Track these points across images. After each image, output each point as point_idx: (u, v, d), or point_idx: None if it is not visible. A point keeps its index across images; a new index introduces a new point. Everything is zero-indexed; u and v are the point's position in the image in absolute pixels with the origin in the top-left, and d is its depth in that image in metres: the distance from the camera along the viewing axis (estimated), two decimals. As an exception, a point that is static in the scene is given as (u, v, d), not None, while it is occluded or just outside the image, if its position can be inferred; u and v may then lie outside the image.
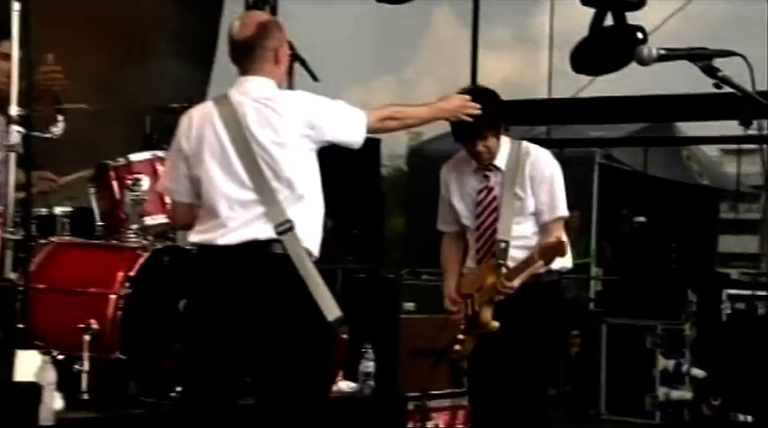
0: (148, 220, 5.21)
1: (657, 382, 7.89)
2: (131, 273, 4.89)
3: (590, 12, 8.32)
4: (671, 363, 7.91)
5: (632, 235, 10.14)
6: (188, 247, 4.35)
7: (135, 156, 5.31)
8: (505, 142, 4.56)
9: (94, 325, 4.75)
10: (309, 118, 3.68)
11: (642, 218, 10.06)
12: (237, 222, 3.60)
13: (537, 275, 4.44)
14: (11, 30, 4.42)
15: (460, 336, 4.52)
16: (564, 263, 4.57)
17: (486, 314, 4.43)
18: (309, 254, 3.64)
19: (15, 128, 4.45)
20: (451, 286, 4.63)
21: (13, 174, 4.48)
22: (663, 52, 3.11)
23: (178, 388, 4.64)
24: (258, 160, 3.61)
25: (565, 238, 4.53)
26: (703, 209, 13.02)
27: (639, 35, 7.89)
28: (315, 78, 5.45)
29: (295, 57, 5.37)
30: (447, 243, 4.74)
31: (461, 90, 4.48)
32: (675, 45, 3.26)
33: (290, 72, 5.27)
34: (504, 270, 4.40)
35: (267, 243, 3.59)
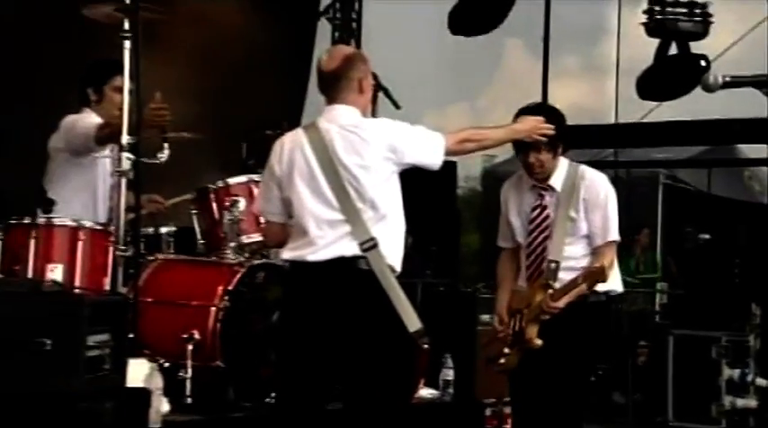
0: (245, 239, 5.23)
1: (723, 391, 7.72)
2: (230, 287, 4.94)
3: (654, 41, 8.25)
4: (736, 373, 7.74)
5: (697, 251, 9.97)
6: (281, 263, 4.38)
7: (233, 180, 5.35)
8: (563, 163, 4.41)
9: (197, 335, 4.81)
10: (391, 142, 3.70)
11: (706, 236, 9.89)
12: (325, 240, 3.64)
13: (584, 296, 4.29)
14: (123, 65, 4.52)
15: (506, 350, 4.39)
16: (612, 286, 4.41)
17: (532, 331, 4.28)
18: (392, 269, 3.66)
19: (126, 154, 4.55)
20: (503, 303, 4.49)
21: (123, 197, 4.58)
22: (728, 79, 3.06)
23: (273, 394, 4.68)
24: (344, 183, 3.65)
25: (615, 263, 4.39)
26: (765, 227, 12.74)
27: (703, 63, 7.80)
28: (397, 106, 5.47)
29: (379, 86, 5.41)
30: (503, 258, 4.60)
31: (526, 107, 4.38)
32: (737, 71, 3.22)
33: (374, 100, 5.30)
34: (550, 290, 4.26)
35: (353, 259, 3.62)
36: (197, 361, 4.76)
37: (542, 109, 4.45)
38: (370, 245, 3.61)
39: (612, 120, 10.51)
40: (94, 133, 4.83)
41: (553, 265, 4.30)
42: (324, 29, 9.71)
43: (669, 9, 7.95)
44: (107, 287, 4.56)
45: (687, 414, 7.82)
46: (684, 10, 7.93)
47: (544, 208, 4.41)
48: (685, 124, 9.55)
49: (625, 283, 10.90)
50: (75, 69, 5.34)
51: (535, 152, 4.32)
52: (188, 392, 4.72)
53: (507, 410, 5.78)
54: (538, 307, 4.28)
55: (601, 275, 4.19)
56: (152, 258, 5.21)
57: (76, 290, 4.39)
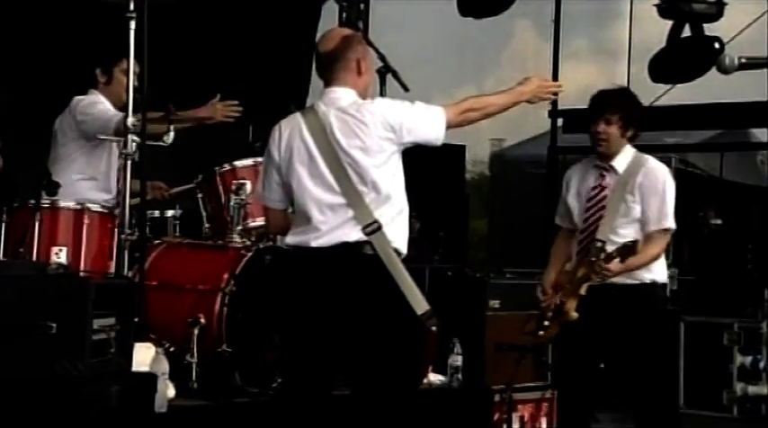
0: (251, 222, 5.25)
1: (735, 378, 7.73)
2: (236, 272, 4.94)
3: (667, 23, 8.21)
4: (748, 360, 7.74)
5: (709, 237, 9.96)
6: (287, 247, 4.37)
7: (239, 163, 5.36)
8: (630, 150, 4.54)
9: (202, 319, 4.82)
10: (390, 122, 3.66)
11: (718, 221, 9.88)
12: (328, 225, 3.62)
13: (631, 283, 4.39)
14: (126, 52, 4.51)
15: (546, 323, 4.53)
16: (657, 276, 4.50)
17: (571, 303, 4.42)
18: (398, 252, 3.64)
19: (131, 137, 4.54)
20: (548, 278, 4.62)
21: (128, 180, 4.58)
22: (744, 61, 3.07)
23: (279, 379, 4.69)
24: (344, 166, 3.62)
25: (663, 255, 4.49)
26: (778, 212, 12.72)
27: (716, 45, 7.77)
28: (405, 88, 5.44)
29: (387, 68, 5.39)
30: (560, 237, 4.73)
31: (604, 91, 4.54)
32: (752, 53, 3.21)
33: (383, 82, 5.29)
34: (602, 254, 4.31)
35: (357, 244, 3.60)
36: (203, 345, 4.78)
37: (624, 93, 4.58)
38: (373, 228, 3.60)
39: (623, 104, 10.48)
40: (115, 123, 4.80)
41: (599, 244, 4.37)
42: (331, 11, 9.69)
43: (682, -10, 7.90)
44: (112, 270, 4.58)
45: (698, 400, 7.82)
46: (698, -9, 7.88)
47: (603, 188, 4.51)
48: (697, 107, 9.53)
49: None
50: (81, 50, 5.34)
51: (605, 123, 4.45)
52: (194, 377, 4.74)
53: (516, 397, 5.81)
54: (579, 280, 4.39)
55: (633, 249, 4.26)
56: (158, 241, 5.22)
57: (82, 273, 4.41)
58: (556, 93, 4.15)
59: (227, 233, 5.26)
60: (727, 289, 8.48)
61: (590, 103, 4.54)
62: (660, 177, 4.51)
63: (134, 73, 4.52)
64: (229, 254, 5.09)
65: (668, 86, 8.99)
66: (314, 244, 3.63)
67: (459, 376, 5.90)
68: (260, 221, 5.21)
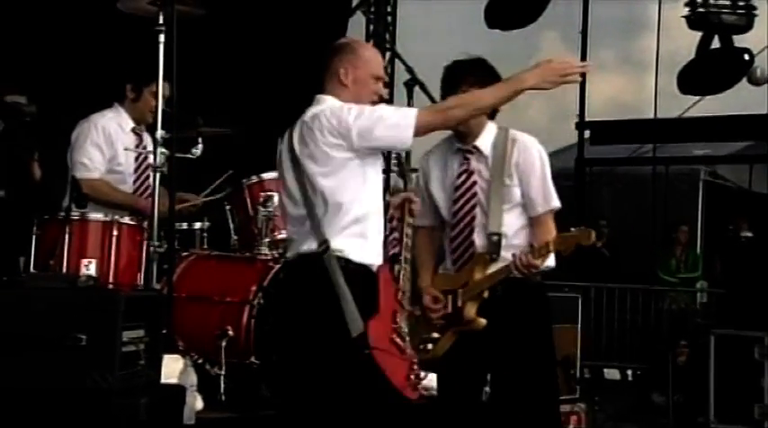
0: (279, 234, 5.24)
1: (766, 392, 7.65)
2: (264, 284, 4.94)
3: (696, 35, 8.20)
4: (778, 374, 7.66)
5: (739, 249, 9.89)
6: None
7: (267, 175, 5.35)
8: (491, 127, 3.97)
9: (230, 331, 4.82)
10: (336, 127, 3.51)
11: (749, 234, 9.81)
12: (296, 237, 3.61)
13: (524, 276, 3.87)
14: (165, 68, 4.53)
15: (435, 335, 3.98)
16: (549, 262, 3.92)
17: (471, 310, 3.88)
18: (350, 262, 3.49)
19: (160, 149, 4.57)
20: (427, 280, 4.04)
21: (157, 193, 4.60)
22: (775, 72, 3.04)
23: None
24: (302, 177, 3.55)
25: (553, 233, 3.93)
26: (809, 224, 12.60)
27: (746, 57, 7.74)
28: (433, 100, 5.47)
29: (414, 81, 5.42)
30: (420, 237, 4.08)
31: (456, 61, 4.00)
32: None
33: (411, 94, 5.31)
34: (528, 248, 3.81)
35: (309, 256, 3.52)
36: (231, 357, 4.78)
37: (479, 63, 3.99)
38: (322, 238, 3.50)
39: (651, 115, 10.45)
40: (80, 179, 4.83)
41: (495, 238, 3.87)
42: (359, 23, 9.75)
43: (712, 2, 7.89)
44: (141, 282, 4.60)
45: (729, 415, 7.74)
46: (728, 2, 7.86)
47: (471, 173, 3.97)
48: (726, 119, 9.49)
49: (665, 282, 10.81)
50: (108, 64, 5.38)
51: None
52: (222, 389, 4.73)
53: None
54: (478, 284, 3.89)
55: (585, 236, 3.76)
56: (186, 254, 5.23)
57: (111, 286, 4.43)
58: (583, 75, 3.75)
59: (254, 245, 5.25)
60: (758, 303, 8.41)
61: (443, 76, 3.95)
62: (536, 154, 3.95)
63: (163, 96, 4.55)
64: (257, 267, 5.08)
65: (697, 98, 8.97)
66: (287, 255, 3.66)
67: (487, 389, 5.87)
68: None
